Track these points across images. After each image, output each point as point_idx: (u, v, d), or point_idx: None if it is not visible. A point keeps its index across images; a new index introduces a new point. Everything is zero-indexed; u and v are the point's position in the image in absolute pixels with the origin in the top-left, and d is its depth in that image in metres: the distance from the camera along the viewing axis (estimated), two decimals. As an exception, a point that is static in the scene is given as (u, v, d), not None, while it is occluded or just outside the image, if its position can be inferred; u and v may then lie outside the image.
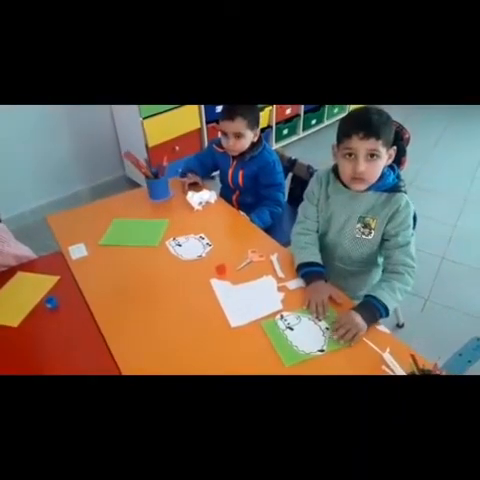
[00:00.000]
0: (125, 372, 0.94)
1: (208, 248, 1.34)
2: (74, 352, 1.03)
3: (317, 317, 1.05)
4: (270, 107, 3.04)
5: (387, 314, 1.04)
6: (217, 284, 1.18)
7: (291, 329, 1.02)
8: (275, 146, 3.22)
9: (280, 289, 1.15)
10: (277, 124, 3.17)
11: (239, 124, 1.50)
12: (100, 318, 1.09)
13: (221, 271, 1.21)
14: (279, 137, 3.26)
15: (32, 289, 1.21)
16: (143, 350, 1.01)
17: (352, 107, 3.64)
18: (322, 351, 0.96)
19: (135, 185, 2.72)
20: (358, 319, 0.99)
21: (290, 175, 1.87)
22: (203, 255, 1.31)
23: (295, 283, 1.17)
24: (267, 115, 3.06)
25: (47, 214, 1.60)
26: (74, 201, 2.55)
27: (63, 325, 1.11)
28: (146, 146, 2.48)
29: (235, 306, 1.10)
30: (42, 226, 1.53)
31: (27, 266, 1.32)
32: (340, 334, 0.97)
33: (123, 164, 2.85)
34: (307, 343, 0.98)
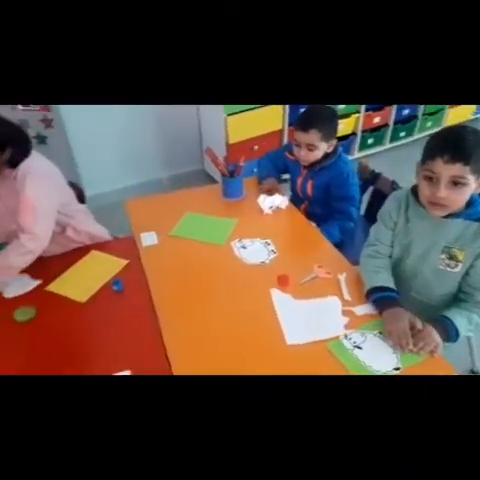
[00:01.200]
0: (174, 366, 0.95)
1: (272, 255, 1.30)
2: (130, 337, 1.06)
3: (402, 348, 0.95)
4: (357, 114, 2.89)
5: (455, 340, 1.00)
6: (277, 295, 1.13)
7: (359, 348, 0.98)
8: (357, 155, 3.06)
9: (345, 313, 1.07)
10: (363, 132, 3.02)
11: (313, 136, 1.42)
12: (159, 308, 1.11)
13: (283, 282, 1.17)
14: (363, 146, 3.10)
15: (102, 269, 1.28)
16: (194, 349, 1.00)
17: (448, 123, 3.34)
18: (398, 369, 0.92)
19: (211, 180, 2.77)
20: (436, 335, 0.97)
21: (371, 188, 1.75)
22: (266, 262, 1.27)
23: (363, 309, 1.08)
24: (353, 122, 2.92)
25: (128, 195, 1.68)
26: (154, 186, 2.69)
27: (125, 309, 1.15)
28: (226, 143, 2.50)
29: (294, 322, 1.04)
30: (121, 207, 1.61)
31: (101, 246, 1.40)
32: (419, 347, 0.95)
33: (203, 158, 2.92)
34: (380, 362, 0.94)
